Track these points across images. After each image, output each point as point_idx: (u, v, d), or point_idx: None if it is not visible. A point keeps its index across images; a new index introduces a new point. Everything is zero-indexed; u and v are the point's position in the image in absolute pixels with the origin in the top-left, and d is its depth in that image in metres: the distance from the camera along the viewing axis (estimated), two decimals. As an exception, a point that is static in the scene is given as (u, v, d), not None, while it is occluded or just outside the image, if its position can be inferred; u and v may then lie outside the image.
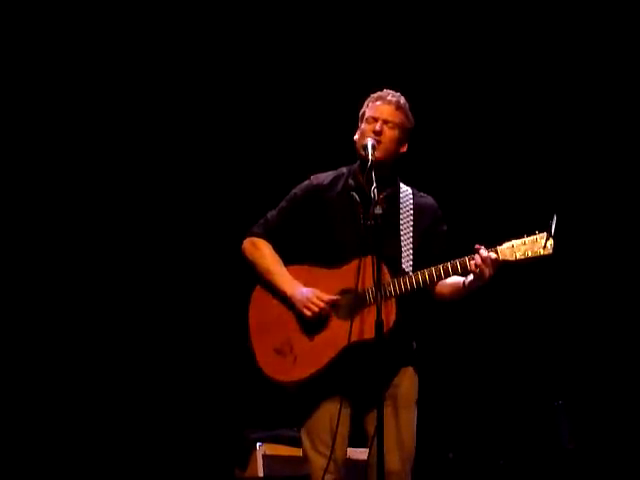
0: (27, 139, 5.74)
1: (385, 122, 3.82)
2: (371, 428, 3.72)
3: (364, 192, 3.76)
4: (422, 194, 3.95)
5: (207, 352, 5.89)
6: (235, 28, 6.01)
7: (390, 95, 3.88)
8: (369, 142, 3.77)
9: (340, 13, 6.05)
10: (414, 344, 3.88)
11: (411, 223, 3.84)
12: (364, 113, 3.89)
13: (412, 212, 3.86)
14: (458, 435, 6.12)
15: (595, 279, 6.15)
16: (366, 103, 3.92)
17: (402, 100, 3.89)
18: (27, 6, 5.67)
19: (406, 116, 3.88)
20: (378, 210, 3.55)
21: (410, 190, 3.92)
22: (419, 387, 3.88)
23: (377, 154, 3.76)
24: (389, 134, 3.82)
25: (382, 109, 3.84)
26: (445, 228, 3.94)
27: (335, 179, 3.93)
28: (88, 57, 5.81)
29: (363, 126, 3.85)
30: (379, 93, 3.90)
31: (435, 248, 3.85)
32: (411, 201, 3.88)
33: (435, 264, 3.70)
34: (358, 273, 3.66)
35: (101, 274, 5.86)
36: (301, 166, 4.18)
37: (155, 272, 5.94)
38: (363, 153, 3.79)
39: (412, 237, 3.82)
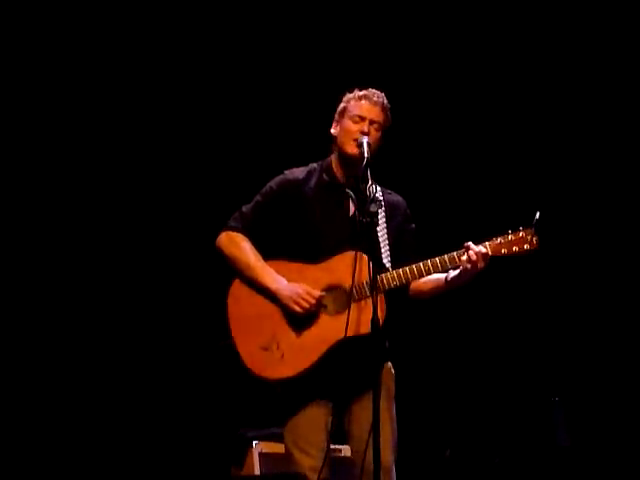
0: (27, 139, 5.73)
1: (371, 123, 3.83)
2: (350, 425, 3.79)
3: (340, 188, 3.82)
4: (389, 192, 3.97)
5: (202, 351, 5.88)
6: (211, 28, 5.99)
7: (376, 95, 3.87)
8: (364, 140, 3.77)
9: (315, 10, 6.02)
10: (387, 342, 3.88)
11: (384, 220, 3.86)
12: (345, 109, 3.88)
13: (384, 209, 3.87)
14: (454, 433, 6.12)
15: (590, 275, 6.16)
16: (347, 99, 3.90)
17: (385, 100, 3.89)
18: (27, 6, 5.66)
19: (388, 117, 3.89)
20: (374, 208, 3.56)
21: (379, 188, 3.92)
22: (417, 383, 3.89)
23: (360, 154, 3.75)
24: (374, 135, 3.83)
25: (369, 109, 3.84)
26: (414, 227, 3.97)
27: (308, 174, 3.93)
28: (88, 57, 5.80)
29: (347, 124, 3.84)
30: (364, 92, 3.89)
31: (408, 246, 3.88)
32: (382, 199, 3.89)
33: (410, 261, 3.73)
34: (353, 269, 3.65)
35: (95, 275, 5.84)
36: (270, 162, 4.18)
37: (149, 271, 5.92)
38: (354, 150, 3.78)
39: (387, 234, 3.84)
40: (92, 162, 5.85)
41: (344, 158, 3.86)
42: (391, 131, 3.93)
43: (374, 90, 3.90)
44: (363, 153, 3.73)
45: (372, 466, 3.47)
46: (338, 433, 3.85)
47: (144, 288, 5.87)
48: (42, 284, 5.73)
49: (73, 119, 5.82)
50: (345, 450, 4.35)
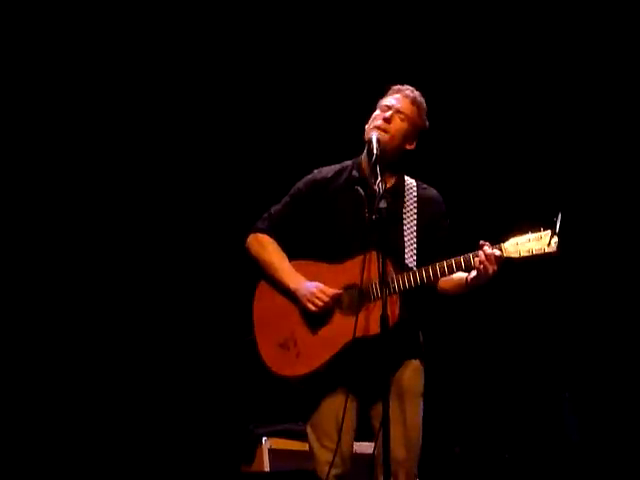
0: (27, 139, 5.72)
1: (397, 111, 3.81)
2: (377, 422, 3.74)
3: (367, 185, 3.76)
4: (425, 186, 3.93)
5: (213, 347, 5.89)
6: (241, 25, 6.01)
7: (409, 90, 3.88)
8: (374, 136, 3.75)
9: (348, 11, 6.04)
10: (421, 336, 3.87)
11: (415, 216, 3.83)
12: (379, 101, 3.88)
13: (416, 205, 3.84)
14: (464, 429, 6.12)
15: (601, 273, 6.15)
16: (385, 95, 3.90)
17: (420, 98, 3.88)
18: (27, 6, 5.65)
19: (419, 113, 3.86)
20: (383, 204, 3.52)
21: (414, 182, 3.90)
22: (426, 380, 3.86)
23: (382, 141, 3.74)
24: (398, 124, 3.80)
25: (398, 100, 3.84)
26: (448, 222, 3.91)
27: (338, 172, 3.91)
28: (88, 57, 5.79)
29: (375, 112, 3.85)
30: (399, 86, 3.89)
31: (439, 243, 3.82)
32: (415, 193, 3.86)
33: (438, 259, 3.68)
34: (362, 268, 3.64)
35: (111, 271, 5.86)
36: (304, 161, 4.16)
37: (164, 268, 5.93)
38: (368, 136, 3.78)
39: (415, 231, 3.80)
40: (125, 164, 5.90)
41: (367, 151, 3.82)
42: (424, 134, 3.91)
43: (410, 87, 3.90)
44: (372, 150, 3.71)
45: (393, 462, 3.50)
46: (365, 429, 3.84)
47: (171, 287, 5.92)
48: (60, 286, 5.75)
49: (89, 120, 5.85)
50: (359, 447, 4.34)
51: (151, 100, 5.92)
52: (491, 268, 3.61)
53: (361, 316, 3.65)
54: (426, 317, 3.87)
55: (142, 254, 5.92)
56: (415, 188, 3.88)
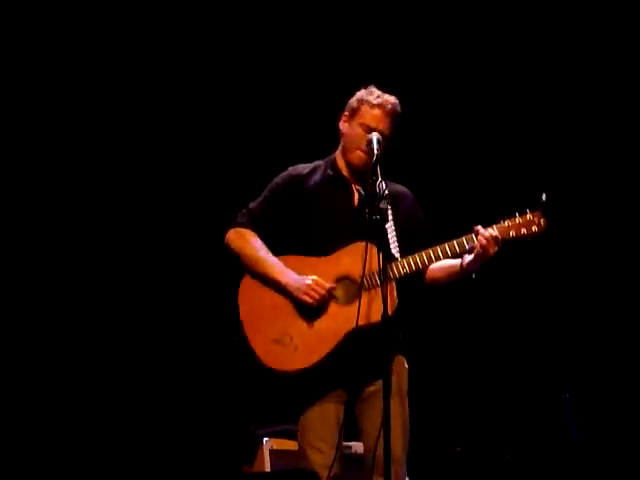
0: (27, 139, 5.73)
1: (380, 135, 3.80)
2: (365, 422, 3.78)
3: (345, 182, 3.86)
4: (394, 183, 3.96)
5: (213, 348, 5.89)
6: (220, 25, 6.01)
7: (390, 104, 3.85)
8: (374, 137, 3.77)
9: (321, 9, 6.04)
10: (400, 334, 3.88)
11: (390, 212, 3.85)
12: (358, 111, 3.86)
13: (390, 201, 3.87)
14: (465, 429, 6.12)
15: (603, 272, 6.15)
16: (361, 99, 3.88)
17: (398, 107, 3.88)
18: (27, 6, 5.66)
19: (397, 125, 3.88)
20: (383, 204, 3.54)
21: (384, 181, 3.92)
22: (429, 380, 3.88)
23: (364, 164, 3.77)
24: (380, 149, 3.78)
25: (381, 121, 3.82)
26: (422, 217, 3.97)
27: (313, 170, 3.95)
28: (88, 57, 5.80)
29: (356, 130, 3.83)
30: (380, 99, 3.84)
31: (417, 236, 3.87)
32: (386, 191, 3.89)
33: (420, 250, 3.72)
34: (362, 259, 3.64)
35: (102, 273, 5.86)
36: (280, 160, 4.18)
37: (161, 268, 5.93)
38: (358, 162, 3.82)
39: (394, 224, 3.82)
40: (102, 163, 5.88)
41: (347, 162, 3.89)
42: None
43: (389, 97, 3.87)
44: (373, 150, 3.73)
45: (382, 461, 3.46)
46: (351, 429, 3.85)
47: (157, 286, 5.89)
48: (58, 286, 5.75)
49: (74, 119, 5.83)
50: (356, 447, 4.34)
51: (136, 97, 5.92)
52: (492, 249, 3.64)
53: (361, 305, 3.65)
54: (407, 314, 3.86)
55: (133, 257, 5.91)
56: (385, 185, 3.89)
